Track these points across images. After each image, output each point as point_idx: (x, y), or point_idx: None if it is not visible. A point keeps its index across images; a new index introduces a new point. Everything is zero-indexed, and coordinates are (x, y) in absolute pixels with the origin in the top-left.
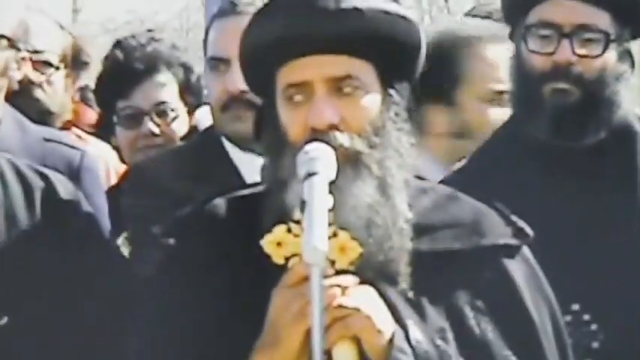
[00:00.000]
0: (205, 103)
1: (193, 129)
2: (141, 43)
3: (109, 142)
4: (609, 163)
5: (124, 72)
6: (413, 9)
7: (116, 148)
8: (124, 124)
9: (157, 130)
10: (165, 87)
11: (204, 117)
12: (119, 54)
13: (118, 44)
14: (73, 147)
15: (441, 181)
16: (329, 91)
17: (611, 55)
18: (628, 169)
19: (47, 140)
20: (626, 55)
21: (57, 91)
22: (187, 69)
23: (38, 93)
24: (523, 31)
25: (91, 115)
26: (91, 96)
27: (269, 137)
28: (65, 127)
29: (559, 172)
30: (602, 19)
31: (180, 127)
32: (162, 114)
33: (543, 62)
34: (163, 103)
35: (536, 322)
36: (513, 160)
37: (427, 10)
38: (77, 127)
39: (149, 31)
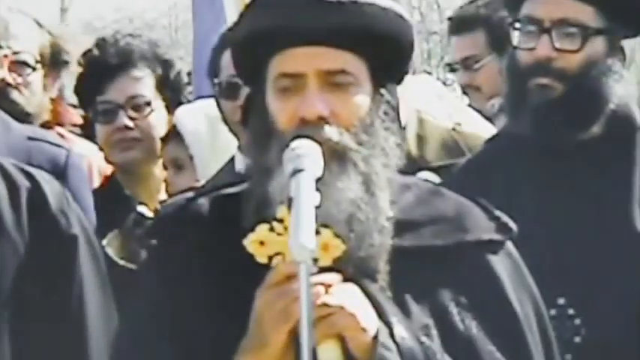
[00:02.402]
0: (189, 101)
1: (172, 128)
2: (116, 39)
3: (95, 141)
4: (606, 158)
5: (99, 67)
6: (402, 5)
7: (101, 149)
8: (101, 119)
9: (130, 124)
10: (141, 81)
11: (184, 117)
12: (95, 50)
13: (95, 42)
14: (58, 145)
15: (441, 182)
16: (322, 83)
17: (597, 48)
18: (626, 164)
19: (31, 139)
20: (617, 50)
21: (34, 92)
22: (167, 64)
23: (14, 95)
24: (510, 27)
25: (74, 115)
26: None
27: (256, 125)
28: (46, 126)
29: (554, 168)
30: (584, 13)
31: (157, 121)
32: (138, 108)
33: (527, 58)
34: (138, 96)
35: (520, 317)
36: (509, 158)
37: (417, 6)
38: (61, 126)
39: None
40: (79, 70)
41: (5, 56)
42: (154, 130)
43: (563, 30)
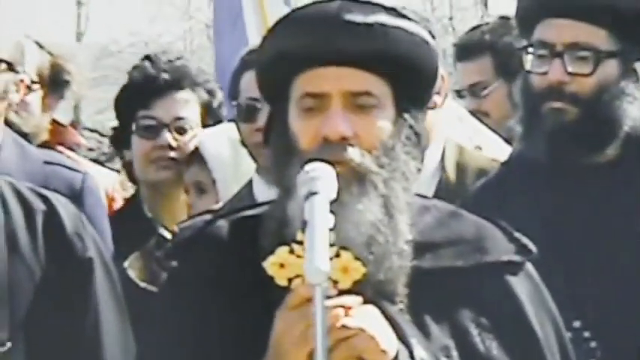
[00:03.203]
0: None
1: (195, 151)
2: (169, 59)
3: (122, 157)
4: (621, 180)
5: (150, 82)
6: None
7: (127, 165)
8: (142, 134)
9: (174, 143)
10: (188, 104)
11: (207, 140)
12: (147, 65)
13: (147, 57)
14: (73, 169)
15: (462, 202)
16: (345, 104)
17: (610, 71)
18: None
19: (48, 163)
20: (631, 72)
21: (32, 113)
22: (211, 93)
23: (11, 115)
24: (523, 51)
25: (76, 135)
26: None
27: (278, 144)
28: (46, 146)
29: (569, 190)
30: (596, 37)
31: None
32: (181, 130)
33: (540, 82)
34: (183, 119)
35: (541, 338)
36: (524, 180)
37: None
38: (62, 145)
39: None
40: (126, 81)
41: (21, 81)
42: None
43: (575, 54)
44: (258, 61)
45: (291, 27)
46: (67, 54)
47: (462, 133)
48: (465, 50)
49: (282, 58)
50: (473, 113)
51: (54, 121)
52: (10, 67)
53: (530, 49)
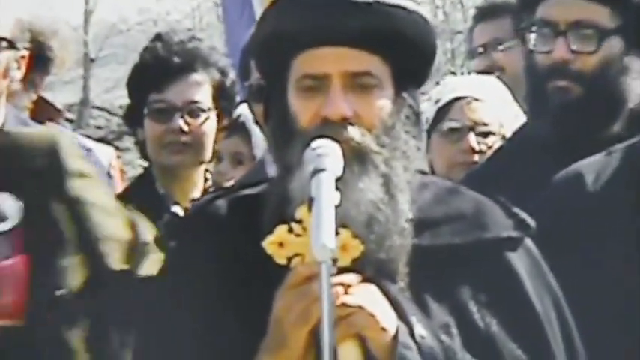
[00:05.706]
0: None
1: (236, 122)
2: (181, 40)
3: (135, 135)
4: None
5: (162, 65)
6: (425, 4)
7: (140, 143)
8: (154, 118)
9: (186, 128)
10: (200, 87)
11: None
12: (159, 46)
13: (158, 37)
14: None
15: (461, 180)
16: (345, 84)
17: (614, 48)
18: None
19: None
20: (635, 48)
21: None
22: (223, 72)
23: None
24: (526, 30)
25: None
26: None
27: (277, 124)
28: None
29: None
30: (599, 14)
31: (209, 129)
32: (194, 113)
33: (544, 61)
34: (196, 102)
35: (540, 313)
36: (529, 155)
37: (440, 5)
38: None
39: (189, 30)
40: (138, 62)
41: (22, 57)
42: (204, 138)
43: (578, 32)
44: (255, 40)
45: (290, 5)
46: (48, 30)
47: (506, 114)
48: (486, 11)
49: (280, 38)
50: (487, 70)
51: (41, 99)
52: (11, 44)
53: (533, 28)
